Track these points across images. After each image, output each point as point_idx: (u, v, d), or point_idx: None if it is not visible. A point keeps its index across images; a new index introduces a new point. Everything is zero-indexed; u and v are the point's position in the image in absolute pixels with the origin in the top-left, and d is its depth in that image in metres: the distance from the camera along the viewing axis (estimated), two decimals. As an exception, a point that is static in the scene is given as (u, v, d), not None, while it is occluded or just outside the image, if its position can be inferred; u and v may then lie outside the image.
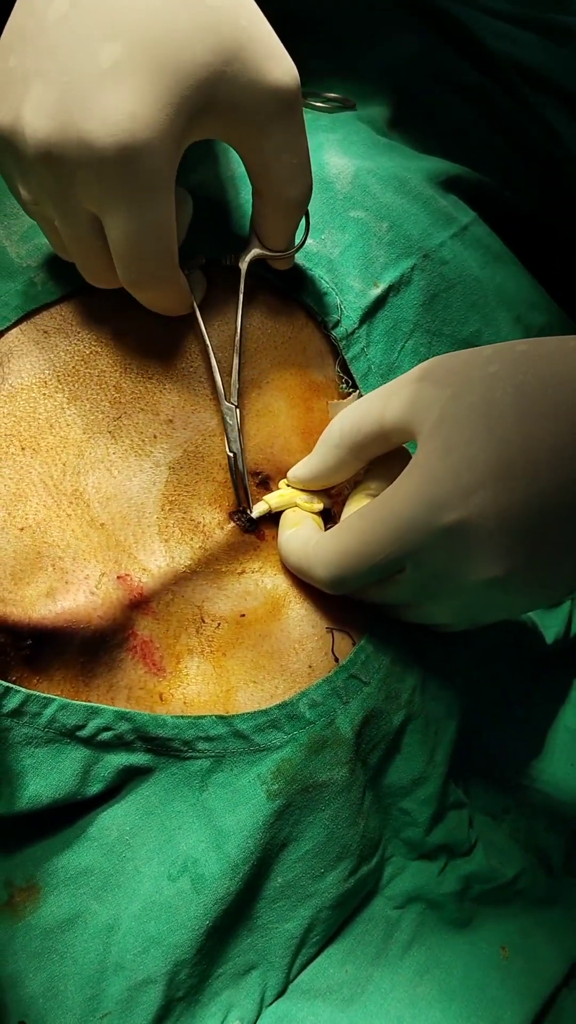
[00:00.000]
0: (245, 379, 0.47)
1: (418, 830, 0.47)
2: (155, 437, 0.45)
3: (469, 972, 0.48)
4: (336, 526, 0.43)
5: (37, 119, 0.35)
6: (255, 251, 0.46)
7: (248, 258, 0.46)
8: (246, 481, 0.45)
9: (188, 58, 0.35)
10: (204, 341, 0.45)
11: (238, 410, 0.45)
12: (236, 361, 0.46)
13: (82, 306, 0.46)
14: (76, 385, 0.44)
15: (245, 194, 0.50)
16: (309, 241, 0.50)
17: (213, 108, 0.37)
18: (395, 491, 0.39)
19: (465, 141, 0.65)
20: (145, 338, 0.46)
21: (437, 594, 0.41)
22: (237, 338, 0.46)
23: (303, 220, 0.46)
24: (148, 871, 0.41)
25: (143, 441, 0.45)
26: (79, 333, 0.45)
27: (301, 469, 0.46)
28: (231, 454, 0.45)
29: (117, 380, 0.45)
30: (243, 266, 0.46)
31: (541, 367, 0.36)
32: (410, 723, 0.46)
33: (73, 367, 0.45)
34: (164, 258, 0.40)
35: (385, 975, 0.46)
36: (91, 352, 0.45)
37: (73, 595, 0.41)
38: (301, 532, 0.45)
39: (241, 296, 0.46)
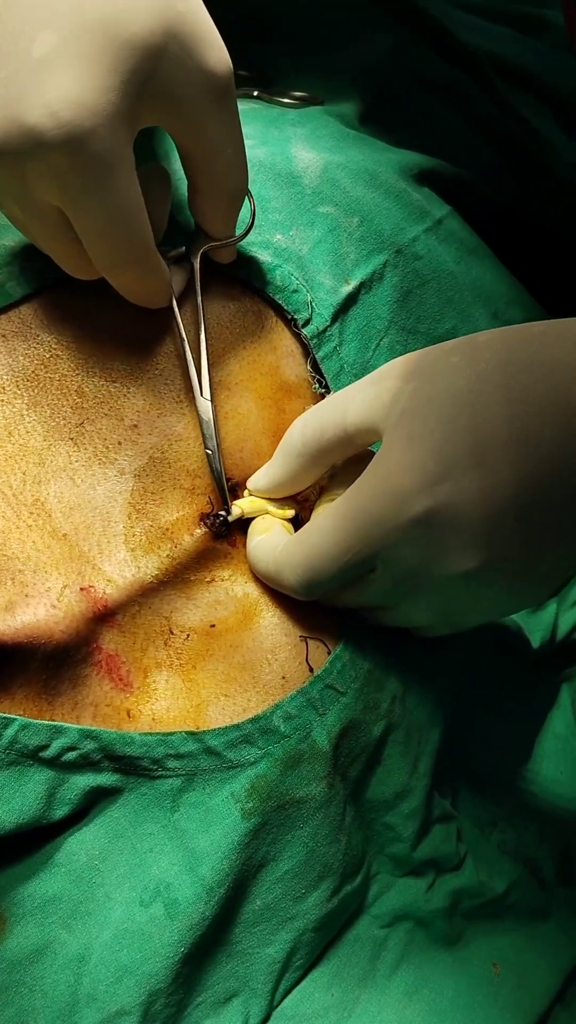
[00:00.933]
0: (213, 380, 0.45)
1: (403, 846, 0.46)
2: (119, 443, 0.43)
3: (460, 991, 0.46)
4: (302, 529, 0.41)
5: None
6: (202, 241, 0.45)
7: (200, 251, 0.45)
8: (223, 480, 0.44)
9: (126, 39, 0.34)
10: (180, 334, 0.44)
11: (211, 404, 0.44)
12: (204, 354, 0.44)
13: (42, 308, 0.44)
14: (35, 391, 0.43)
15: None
16: (278, 237, 0.48)
17: (156, 90, 0.36)
18: (359, 487, 0.38)
19: (439, 136, 0.64)
20: (108, 340, 0.44)
21: (411, 593, 0.40)
22: (202, 332, 0.44)
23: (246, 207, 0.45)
24: (119, 897, 0.39)
25: (107, 448, 0.43)
26: (39, 336, 0.44)
27: (262, 479, 0.45)
28: (209, 452, 0.43)
29: (79, 384, 0.43)
30: (195, 261, 0.45)
31: (502, 354, 0.35)
32: (391, 733, 0.45)
33: (32, 371, 0.43)
34: (136, 240, 0.39)
35: (373, 997, 0.45)
36: (51, 356, 0.44)
37: (33, 609, 0.39)
38: (269, 539, 0.43)
39: (198, 287, 0.44)
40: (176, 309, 0.44)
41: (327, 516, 0.39)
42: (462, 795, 0.51)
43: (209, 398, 0.44)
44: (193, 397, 0.44)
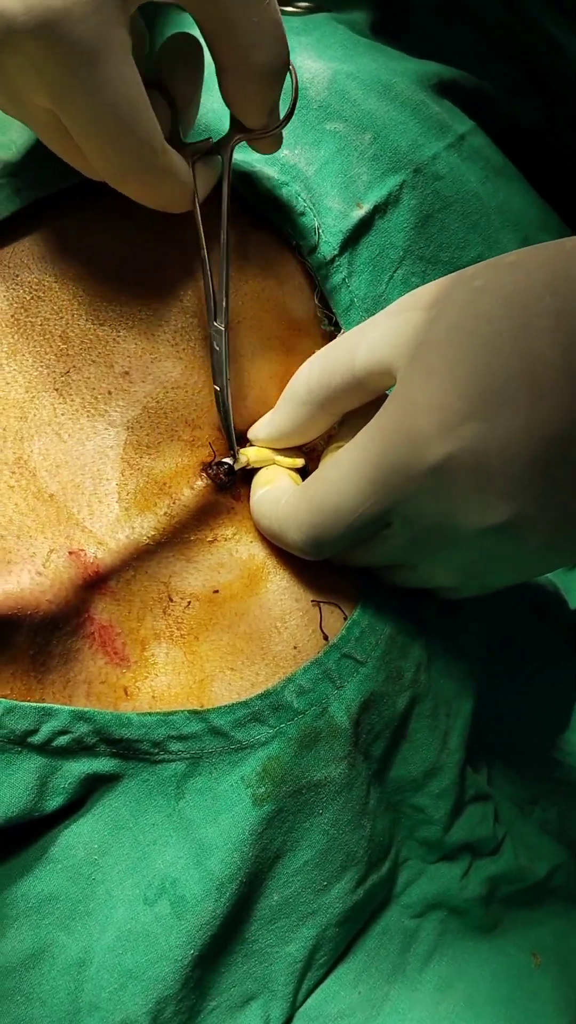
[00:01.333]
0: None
1: (435, 828, 0.42)
2: (109, 393, 0.39)
3: (497, 983, 0.43)
4: (307, 480, 0.37)
5: None
6: (235, 133, 0.38)
7: (231, 144, 0.39)
8: (231, 419, 0.39)
9: None
10: (201, 245, 0.39)
11: (227, 332, 0.39)
12: (226, 273, 0.39)
13: (21, 247, 0.40)
14: (15, 337, 0.39)
15: None
16: (284, 152, 0.43)
17: None
18: (370, 432, 0.34)
19: (455, 52, 0.59)
20: (94, 279, 0.40)
21: (433, 551, 0.36)
22: (224, 241, 0.39)
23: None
24: (121, 895, 0.36)
25: (96, 398, 0.39)
26: (17, 276, 0.40)
27: (265, 427, 0.41)
28: (217, 388, 0.39)
29: (63, 329, 0.39)
30: (225, 155, 0.39)
31: (537, 275, 0.30)
32: (416, 705, 0.41)
33: (12, 316, 0.39)
34: (137, 139, 0.33)
35: (403, 992, 0.42)
36: (32, 298, 0.40)
37: (16, 576, 0.35)
38: (272, 491, 0.39)
39: (225, 187, 0.39)
40: (199, 216, 0.38)
41: (334, 466, 0.35)
42: (497, 771, 0.48)
43: (224, 326, 0.39)
44: (189, 339, 0.39)
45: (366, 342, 0.35)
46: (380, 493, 0.33)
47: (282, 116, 0.38)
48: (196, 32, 0.37)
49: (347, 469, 0.34)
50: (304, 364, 0.39)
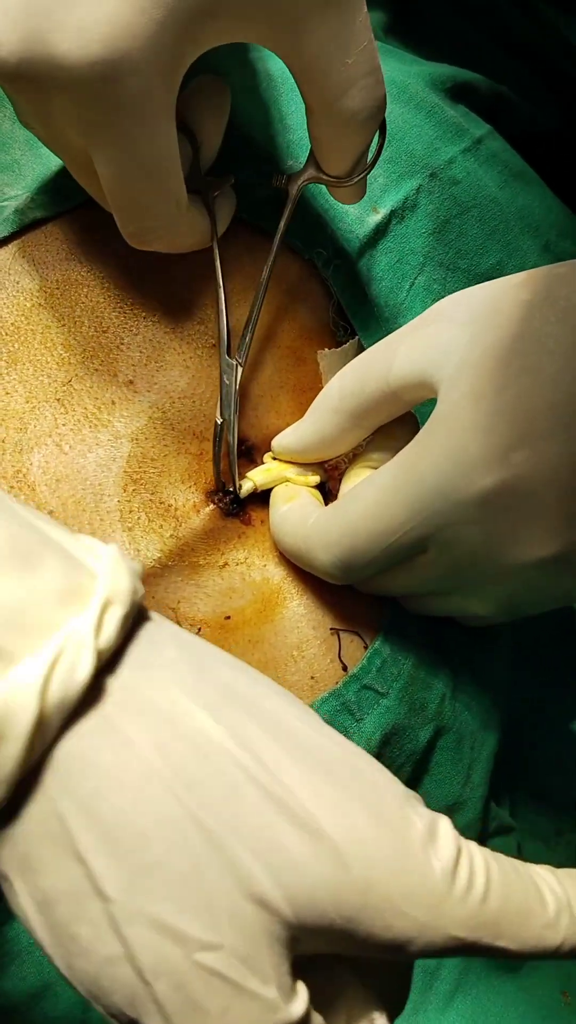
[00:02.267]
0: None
1: None
2: (113, 403, 0.38)
3: (526, 1023, 0.41)
4: (340, 498, 0.35)
5: (3, 36, 0.29)
6: (311, 173, 0.36)
7: (300, 182, 0.37)
8: (234, 453, 0.38)
9: None
10: (217, 282, 0.38)
11: (240, 369, 0.38)
12: (256, 309, 0.38)
13: (22, 253, 0.39)
14: (16, 345, 0.38)
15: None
16: (290, 161, 0.41)
17: (224, 5, 0.29)
18: (414, 452, 0.32)
19: (471, 57, 0.57)
20: (96, 285, 0.39)
21: (470, 581, 0.34)
22: (265, 275, 0.38)
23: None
24: None
25: (99, 408, 0.38)
26: (19, 283, 0.39)
27: (290, 438, 0.38)
28: (219, 420, 0.38)
29: (65, 337, 0.38)
30: (293, 190, 0.37)
31: None
32: (440, 738, 0.39)
33: (12, 324, 0.38)
34: (162, 201, 0.33)
35: None
36: (32, 306, 0.39)
37: None
38: (297, 509, 0.37)
39: (282, 226, 0.38)
40: (217, 254, 0.38)
41: (371, 486, 0.33)
42: (521, 803, 0.46)
43: (241, 361, 0.38)
44: (197, 347, 0.38)
45: (402, 352, 0.33)
46: (421, 517, 0.31)
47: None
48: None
49: (386, 489, 0.32)
50: (335, 374, 0.37)
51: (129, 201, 0.33)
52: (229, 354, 0.38)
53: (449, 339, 0.31)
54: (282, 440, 0.39)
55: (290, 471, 0.39)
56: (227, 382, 0.38)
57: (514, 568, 0.31)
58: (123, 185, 0.32)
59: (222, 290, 0.38)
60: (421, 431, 0.32)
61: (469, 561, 0.32)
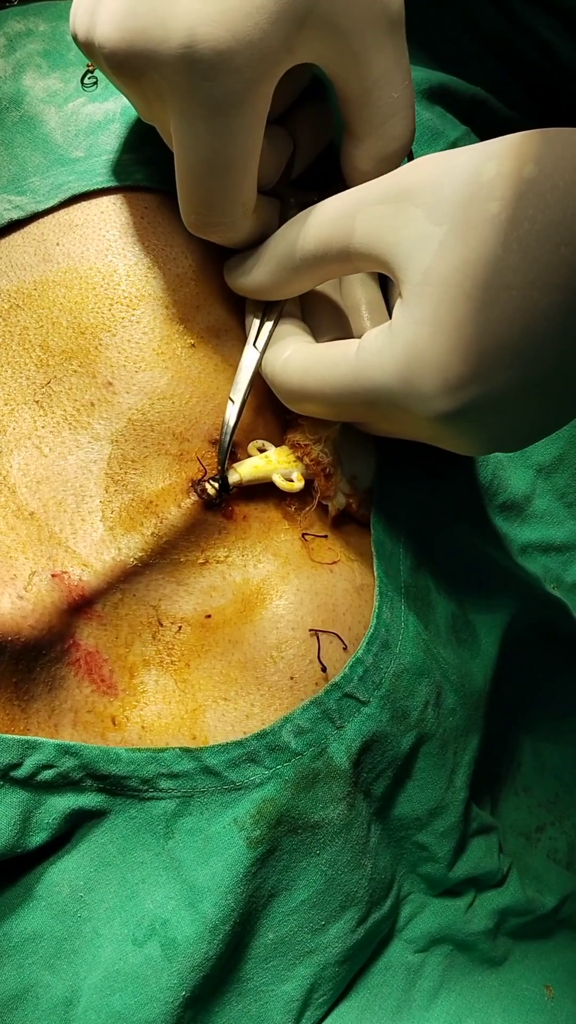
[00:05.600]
0: (200, 325, 0.39)
1: (438, 866, 0.40)
2: (92, 405, 0.37)
3: (510, 1018, 0.41)
4: (319, 344, 0.37)
5: (107, 27, 0.32)
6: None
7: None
8: (231, 437, 0.38)
9: None
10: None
11: (262, 356, 0.38)
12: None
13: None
14: None
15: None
16: None
17: (318, 18, 0.31)
18: (375, 357, 0.32)
19: (446, 53, 0.57)
20: (75, 286, 0.39)
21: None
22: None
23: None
24: (109, 934, 0.34)
25: (78, 410, 0.37)
26: None
27: (244, 278, 0.38)
28: (233, 399, 0.38)
29: (43, 338, 0.38)
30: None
31: (556, 204, 0.27)
32: (423, 745, 0.39)
33: None
34: (228, 200, 0.34)
35: None
36: (11, 306, 0.38)
37: None
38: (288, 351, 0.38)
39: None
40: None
41: (335, 356, 0.34)
42: (503, 800, 0.46)
43: (263, 348, 0.39)
44: (176, 348, 0.38)
45: (365, 224, 0.32)
46: (364, 399, 0.33)
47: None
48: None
49: (340, 371, 0.34)
50: (294, 224, 0.36)
51: (197, 192, 0.34)
52: (256, 344, 0.38)
53: (417, 235, 0.30)
54: (237, 277, 0.38)
55: (277, 471, 0.39)
56: (246, 365, 0.38)
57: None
58: (195, 176, 0.33)
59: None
60: (385, 328, 0.32)
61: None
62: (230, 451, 0.38)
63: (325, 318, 0.40)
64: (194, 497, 0.37)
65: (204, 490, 0.37)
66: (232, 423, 0.37)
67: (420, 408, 0.31)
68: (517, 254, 0.28)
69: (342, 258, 0.34)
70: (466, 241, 0.29)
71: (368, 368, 0.32)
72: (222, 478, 0.38)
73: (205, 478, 0.38)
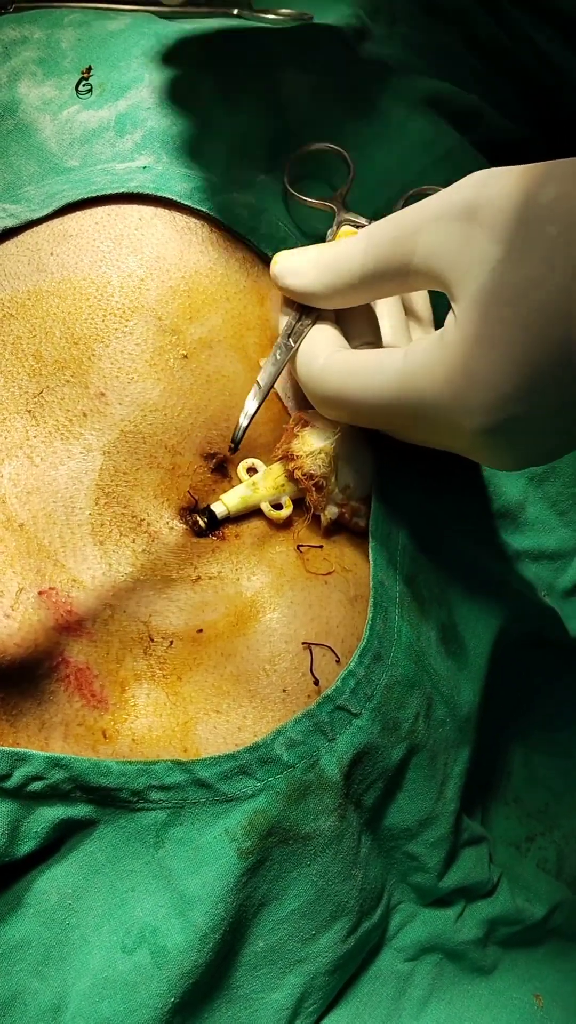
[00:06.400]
0: (192, 337, 0.39)
1: (428, 876, 0.40)
2: (85, 415, 0.37)
3: None
4: (359, 351, 0.37)
5: None
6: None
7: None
8: (248, 424, 0.38)
9: None
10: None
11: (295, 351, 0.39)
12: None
13: None
14: None
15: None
16: (261, 176, 0.42)
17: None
18: (423, 363, 0.33)
19: (443, 62, 0.57)
20: (69, 296, 0.38)
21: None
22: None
23: None
24: (98, 941, 0.34)
25: (70, 420, 0.37)
26: None
27: (295, 280, 0.38)
28: (258, 383, 0.38)
29: (36, 348, 0.38)
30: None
31: None
32: (414, 756, 0.39)
33: None
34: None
35: None
36: (3, 316, 0.38)
37: None
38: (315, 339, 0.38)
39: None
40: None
41: (381, 365, 0.35)
42: (493, 810, 0.45)
43: (297, 344, 0.39)
44: (168, 359, 0.38)
45: (427, 240, 0.32)
46: (405, 409, 0.34)
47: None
48: None
49: (387, 381, 0.34)
50: (355, 243, 0.35)
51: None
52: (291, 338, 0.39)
53: (476, 253, 0.30)
54: (285, 280, 0.38)
55: (265, 501, 0.39)
56: (278, 358, 0.38)
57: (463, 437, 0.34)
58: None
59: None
60: (436, 339, 0.32)
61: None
62: (221, 466, 0.38)
63: (358, 323, 0.40)
64: (185, 525, 0.38)
65: (195, 522, 0.38)
66: (253, 409, 0.38)
67: (464, 420, 0.32)
68: (573, 278, 0.28)
69: (400, 275, 0.34)
70: (523, 262, 0.29)
71: (415, 377, 0.33)
72: (209, 513, 0.38)
73: (196, 507, 0.38)
